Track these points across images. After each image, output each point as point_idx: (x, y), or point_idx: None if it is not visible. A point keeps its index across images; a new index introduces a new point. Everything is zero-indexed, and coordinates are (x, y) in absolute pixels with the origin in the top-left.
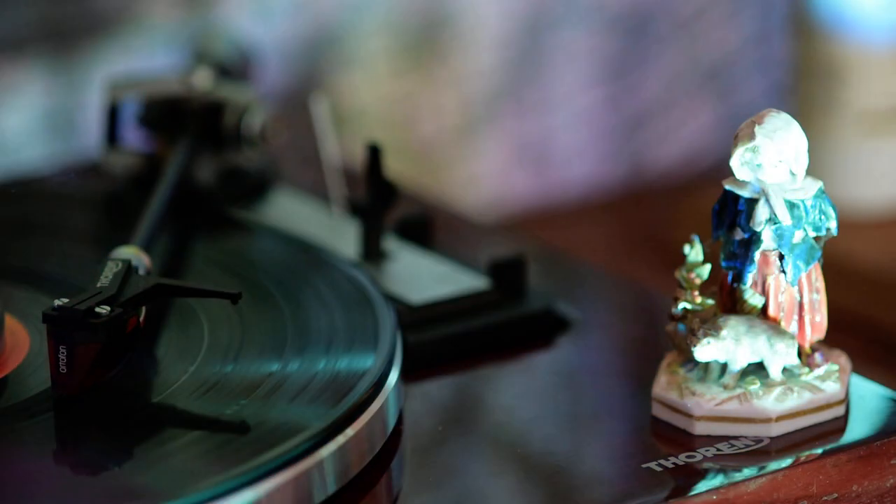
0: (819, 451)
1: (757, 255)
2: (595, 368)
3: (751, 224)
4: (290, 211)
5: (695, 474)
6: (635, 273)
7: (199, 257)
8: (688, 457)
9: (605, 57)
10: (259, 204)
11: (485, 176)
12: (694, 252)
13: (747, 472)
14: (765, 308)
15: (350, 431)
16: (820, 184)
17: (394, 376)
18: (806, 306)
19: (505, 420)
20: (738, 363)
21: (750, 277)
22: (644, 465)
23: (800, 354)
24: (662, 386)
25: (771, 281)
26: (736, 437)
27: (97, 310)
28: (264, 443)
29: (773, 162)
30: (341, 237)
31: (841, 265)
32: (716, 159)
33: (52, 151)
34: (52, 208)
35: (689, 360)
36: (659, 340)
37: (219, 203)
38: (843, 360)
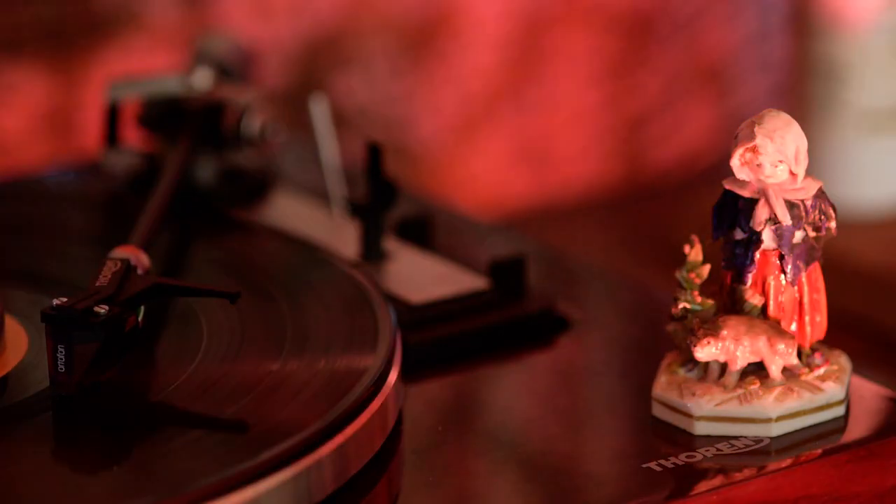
0: (819, 451)
1: (757, 255)
2: (595, 368)
3: (751, 224)
4: (290, 211)
5: (695, 474)
6: (635, 273)
7: (198, 257)
8: (688, 457)
9: (605, 57)
10: (259, 204)
11: (485, 176)
12: (694, 252)
13: (747, 472)
14: (765, 308)
15: (349, 431)
16: (820, 184)
17: (393, 376)
18: (806, 306)
19: (505, 420)
20: (738, 363)
21: (750, 277)
22: (644, 465)
23: (800, 354)
24: (662, 386)
25: (771, 281)
26: (736, 437)
27: (96, 309)
28: (263, 442)
29: (773, 162)
30: (341, 237)
31: (841, 265)
32: (716, 159)
33: (52, 151)
34: (52, 208)
35: (689, 360)
36: (659, 340)
37: (219, 203)
38: (843, 360)
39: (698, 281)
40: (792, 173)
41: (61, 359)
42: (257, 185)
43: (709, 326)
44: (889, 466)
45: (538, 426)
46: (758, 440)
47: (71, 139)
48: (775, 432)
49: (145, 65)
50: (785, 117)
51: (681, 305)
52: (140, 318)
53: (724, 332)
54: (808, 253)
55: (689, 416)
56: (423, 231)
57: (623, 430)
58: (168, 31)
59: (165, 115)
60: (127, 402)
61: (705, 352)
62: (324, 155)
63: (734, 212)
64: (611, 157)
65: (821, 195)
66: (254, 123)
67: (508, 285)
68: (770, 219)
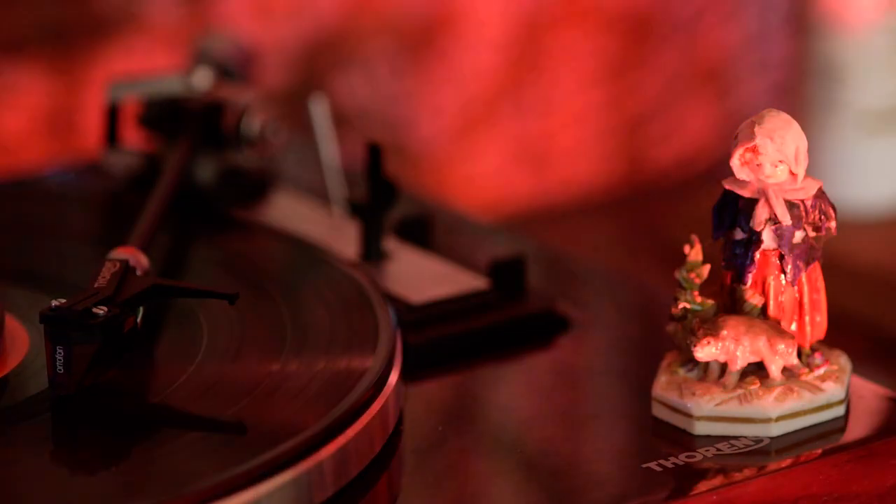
0: (819, 451)
1: (757, 255)
2: (595, 368)
3: (751, 224)
4: (290, 211)
5: (695, 474)
6: (635, 273)
7: (198, 257)
8: (688, 457)
9: (605, 57)
10: (259, 204)
11: (485, 176)
12: (694, 252)
13: (747, 472)
14: (765, 308)
15: (350, 432)
16: (820, 184)
17: (394, 377)
18: (806, 306)
19: (505, 420)
20: (738, 363)
21: (750, 277)
22: (644, 465)
23: (800, 354)
24: (662, 386)
25: (771, 281)
26: (736, 437)
27: (94, 310)
28: (264, 443)
29: (773, 162)
30: (341, 237)
31: (841, 265)
32: (716, 159)
33: (53, 151)
34: (52, 208)
35: (689, 360)
36: (659, 340)
37: (219, 203)
38: (843, 360)
39: (698, 281)
40: (792, 173)
41: (60, 360)
42: (257, 185)
43: (709, 326)
44: (889, 466)
45: (538, 426)
46: (758, 440)
47: (71, 139)
48: (775, 432)
49: (145, 65)
50: (785, 117)
51: (681, 305)
52: (138, 319)
53: (724, 332)
54: (808, 253)
55: (689, 416)
56: (423, 231)
57: (623, 430)
58: (168, 31)
59: (165, 115)
60: (126, 402)
61: (705, 352)
62: (324, 155)
63: (734, 212)
64: (611, 157)
65: (821, 195)
66: (254, 123)
67: (508, 285)
68: (770, 219)
